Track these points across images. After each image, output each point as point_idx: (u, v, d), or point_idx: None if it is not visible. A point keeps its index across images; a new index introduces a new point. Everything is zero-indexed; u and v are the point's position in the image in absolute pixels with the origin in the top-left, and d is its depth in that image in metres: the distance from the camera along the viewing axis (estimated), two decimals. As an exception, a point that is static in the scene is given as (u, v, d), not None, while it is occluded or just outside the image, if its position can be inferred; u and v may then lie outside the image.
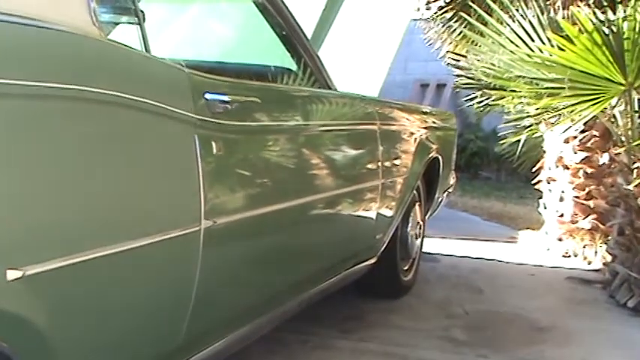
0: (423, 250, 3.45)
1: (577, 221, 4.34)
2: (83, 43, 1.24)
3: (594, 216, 4.29)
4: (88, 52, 1.25)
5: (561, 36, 3.17)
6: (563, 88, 3.21)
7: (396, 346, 2.50)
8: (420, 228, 3.27)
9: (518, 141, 4.40)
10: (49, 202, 1.09)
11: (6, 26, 1.08)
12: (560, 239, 4.38)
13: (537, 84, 3.42)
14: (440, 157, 3.31)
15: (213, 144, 1.51)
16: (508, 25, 3.64)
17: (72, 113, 1.15)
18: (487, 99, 4.17)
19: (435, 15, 5.21)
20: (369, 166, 2.52)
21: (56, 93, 1.11)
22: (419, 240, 3.27)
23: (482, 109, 4.41)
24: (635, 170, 3.39)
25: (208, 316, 1.57)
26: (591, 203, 4.31)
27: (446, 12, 5.13)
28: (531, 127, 4.10)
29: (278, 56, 2.35)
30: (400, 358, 2.37)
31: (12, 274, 1.00)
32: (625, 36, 3.04)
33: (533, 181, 4.83)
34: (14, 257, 1.01)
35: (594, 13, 3.16)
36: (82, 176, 1.16)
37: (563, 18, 3.65)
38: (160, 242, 1.32)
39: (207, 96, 1.53)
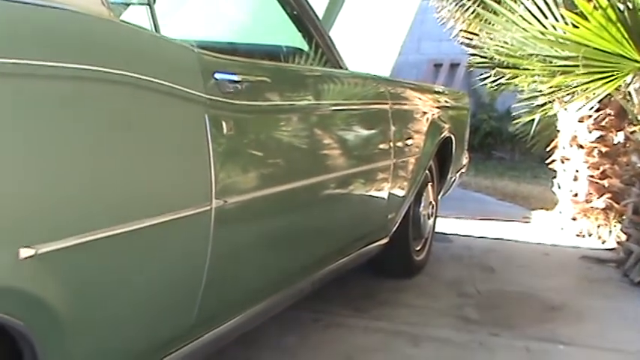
0: (436, 230, 3.45)
1: (591, 200, 4.32)
2: (93, 24, 1.25)
3: (609, 195, 4.26)
4: (98, 33, 1.25)
5: (575, 13, 3.14)
6: (577, 65, 3.18)
7: (407, 324, 2.51)
8: (433, 208, 3.26)
9: (532, 120, 4.37)
10: (60, 181, 1.10)
11: (15, 6, 1.09)
12: (574, 219, 4.36)
13: (551, 62, 3.39)
14: (452, 137, 3.30)
15: (224, 124, 1.51)
16: (521, 2, 3.61)
17: (82, 93, 1.16)
18: (500, 78, 4.14)
19: (448, -7, 5.16)
20: (381, 145, 2.51)
21: (66, 73, 1.12)
22: (431, 220, 3.27)
23: (495, 88, 4.38)
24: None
25: (220, 294, 1.58)
26: (606, 182, 4.29)
27: (458, -10, 5.08)
28: (545, 106, 4.07)
29: (289, 36, 2.34)
30: (412, 337, 2.39)
31: (25, 252, 1.01)
32: (640, 12, 3.01)
33: (547, 161, 4.81)
34: (27, 235, 1.02)
35: (609, -11, 3.12)
36: (93, 155, 1.16)
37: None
38: (171, 221, 1.33)
39: (218, 76, 1.53)
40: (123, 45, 1.31)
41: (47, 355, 1.11)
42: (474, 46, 4.41)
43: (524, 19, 3.53)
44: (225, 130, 1.52)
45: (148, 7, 1.53)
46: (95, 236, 1.14)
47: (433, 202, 3.25)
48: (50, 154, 1.08)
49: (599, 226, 4.21)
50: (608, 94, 3.48)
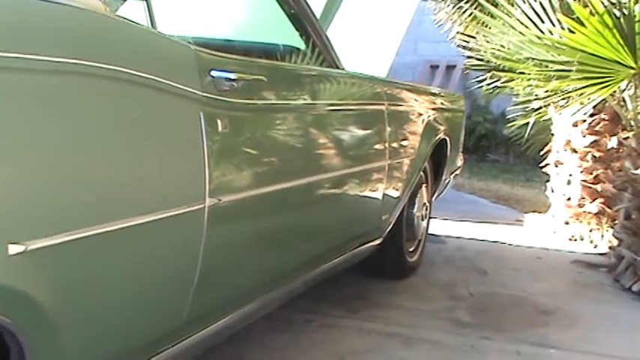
0: (430, 231, 3.45)
1: (584, 205, 4.33)
2: (88, 18, 1.24)
3: (601, 200, 4.28)
4: (93, 27, 1.24)
5: (572, 18, 3.15)
6: (572, 70, 3.19)
7: (400, 326, 2.51)
8: (427, 209, 3.26)
9: (527, 124, 4.38)
10: (51, 177, 1.08)
11: (7, 0, 1.08)
12: (566, 223, 4.37)
13: (547, 66, 3.40)
14: (448, 139, 3.30)
15: (219, 122, 1.51)
16: (518, 6, 3.61)
17: (75, 88, 1.15)
18: (496, 81, 4.15)
19: (445, -5, 5.16)
20: (376, 146, 2.51)
21: (60, 68, 1.11)
22: (425, 221, 3.27)
23: (491, 91, 4.40)
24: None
25: (212, 293, 1.58)
26: (599, 187, 4.30)
27: (456, -8, 5.08)
28: (540, 110, 4.08)
29: (286, 34, 2.34)
30: (404, 338, 2.38)
31: (14, 249, 1.00)
32: (636, 19, 3.02)
33: (541, 164, 4.82)
34: (16, 232, 1.01)
35: (606, -6, 3.13)
36: (84, 152, 1.15)
37: (574, 0, 3.61)
38: (164, 219, 1.32)
39: (214, 73, 1.53)
40: (118, 40, 1.30)
41: (34, 352, 1.10)
42: (470, 49, 4.42)
43: (521, 22, 3.54)
44: (220, 128, 1.51)
45: (144, 2, 1.52)
46: (86, 233, 1.13)
47: (427, 204, 3.25)
48: (41, 150, 1.07)
49: (591, 231, 4.22)
50: (603, 100, 3.48)
